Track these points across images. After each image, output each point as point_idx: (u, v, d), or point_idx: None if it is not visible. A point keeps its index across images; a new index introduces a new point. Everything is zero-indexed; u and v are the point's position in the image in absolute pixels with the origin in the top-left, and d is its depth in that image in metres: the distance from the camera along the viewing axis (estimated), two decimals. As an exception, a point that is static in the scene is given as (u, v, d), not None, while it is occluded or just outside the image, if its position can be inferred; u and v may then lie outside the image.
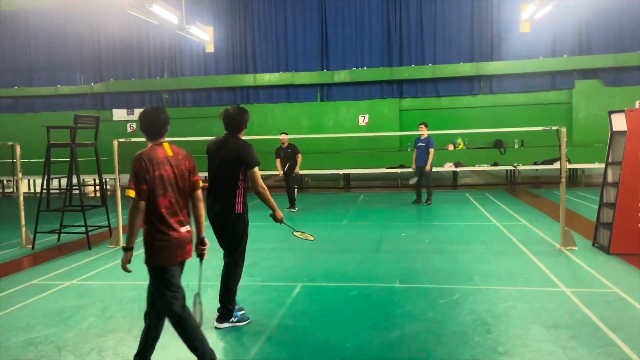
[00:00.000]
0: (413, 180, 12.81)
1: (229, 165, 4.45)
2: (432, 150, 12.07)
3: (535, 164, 17.02)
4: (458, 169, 17.18)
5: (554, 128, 7.48)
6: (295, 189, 12.06)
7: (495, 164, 17.37)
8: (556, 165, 17.16)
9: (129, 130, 19.68)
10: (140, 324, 4.70)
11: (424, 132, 11.85)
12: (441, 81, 18.17)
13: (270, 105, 18.86)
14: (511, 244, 7.87)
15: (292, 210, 11.87)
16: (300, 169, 12.15)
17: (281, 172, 11.93)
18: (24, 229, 8.64)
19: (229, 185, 4.47)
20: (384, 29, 18.30)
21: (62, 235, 9.03)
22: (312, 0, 18.39)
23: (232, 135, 4.57)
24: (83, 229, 8.34)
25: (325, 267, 6.74)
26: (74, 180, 8.75)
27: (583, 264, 6.52)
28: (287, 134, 11.98)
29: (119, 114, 19.80)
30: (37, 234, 8.48)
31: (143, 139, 3.63)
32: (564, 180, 7.47)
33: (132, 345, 4.25)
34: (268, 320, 4.78)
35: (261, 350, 4.13)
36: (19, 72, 20.34)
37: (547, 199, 12.87)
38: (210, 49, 15.18)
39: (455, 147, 18.05)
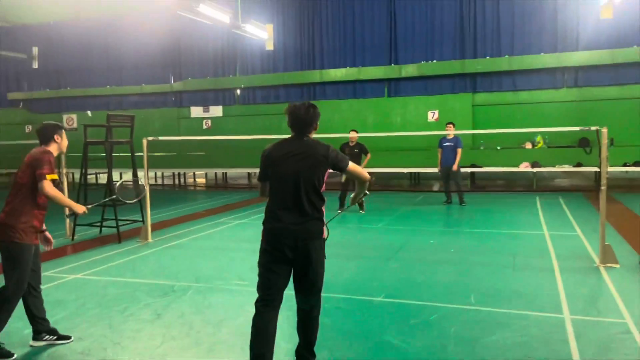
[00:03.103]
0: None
1: (311, 173, 3.51)
2: (459, 150, 11.90)
3: (625, 165, 15.21)
4: (534, 170, 15.82)
5: (593, 128, 6.52)
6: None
7: (579, 165, 15.77)
8: (651, 167, 15.22)
9: (204, 127, 20.47)
10: (103, 323, 4.64)
11: (451, 132, 11.56)
12: (519, 74, 16.78)
13: (337, 102, 18.60)
14: (545, 257, 7.01)
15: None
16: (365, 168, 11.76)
17: None
18: (67, 220, 9.22)
19: (314, 200, 3.53)
20: (456, 20, 17.27)
21: (106, 228, 9.53)
22: (380, -8, 17.84)
23: (302, 136, 3.63)
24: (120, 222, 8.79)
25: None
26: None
27: (612, 285, 5.62)
28: (357, 132, 11.67)
29: (196, 111, 20.66)
30: (79, 227, 9.06)
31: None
32: (604, 188, 6.51)
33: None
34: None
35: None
36: (111, 72, 21.93)
37: (625, 207, 11.40)
38: (270, 46, 15.29)
39: (533, 145, 16.64)
